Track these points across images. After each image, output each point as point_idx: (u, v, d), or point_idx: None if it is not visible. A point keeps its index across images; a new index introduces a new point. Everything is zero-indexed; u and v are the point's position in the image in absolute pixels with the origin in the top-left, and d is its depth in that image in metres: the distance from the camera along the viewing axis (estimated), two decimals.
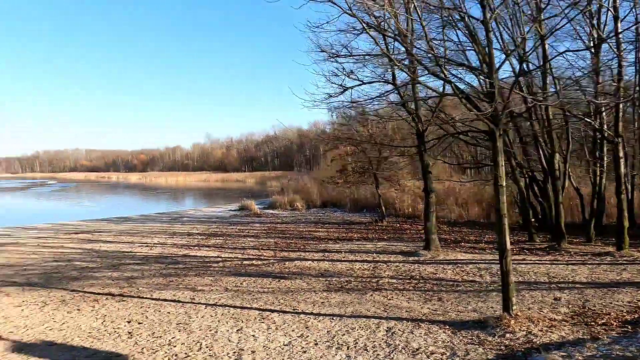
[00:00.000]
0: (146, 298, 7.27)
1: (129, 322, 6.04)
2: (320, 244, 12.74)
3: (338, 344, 4.91)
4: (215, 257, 11.05)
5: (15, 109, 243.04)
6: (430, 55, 4.76)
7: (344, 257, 10.50)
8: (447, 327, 5.30)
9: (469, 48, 9.51)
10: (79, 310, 6.68)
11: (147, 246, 12.91)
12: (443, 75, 4.73)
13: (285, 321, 5.84)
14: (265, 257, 10.81)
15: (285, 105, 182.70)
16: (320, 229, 16.06)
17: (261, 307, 6.54)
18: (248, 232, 15.52)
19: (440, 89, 10.04)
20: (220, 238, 14.24)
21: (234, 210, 24.30)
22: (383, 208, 17.52)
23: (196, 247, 12.53)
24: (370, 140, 13.88)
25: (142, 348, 5.03)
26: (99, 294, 7.62)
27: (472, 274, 8.38)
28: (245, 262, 10.23)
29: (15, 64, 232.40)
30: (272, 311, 6.33)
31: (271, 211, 23.26)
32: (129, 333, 5.56)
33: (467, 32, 7.54)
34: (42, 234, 16.34)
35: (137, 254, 11.72)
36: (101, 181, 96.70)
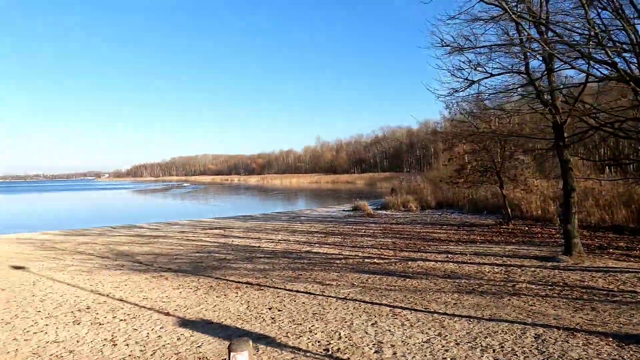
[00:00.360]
0: (280, 288, 7.79)
1: (269, 309, 6.53)
2: (441, 245, 12.29)
3: (482, 346, 4.68)
4: (336, 254, 11.37)
5: (158, 121, 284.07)
6: (590, 34, 4.26)
7: (469, 260, 9.99)
8: (610, 339, 4.69)
9: (616, 27, 8.40)
10: (225, 295, 7.44)
11: (272, 242, 13.84)
12: (608, 57, 4.21)
13: (419, 319, 5.75)
14: (386, 256, 10.79)
15: (393, 107, 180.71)
16: (439, 230, 15.49)
17: (391, 304, 6.54)
18: (364, 232, 15.66)
19: (578, 77, 9.00)
20: (338, 237, 14.61)
21: (347, 210, 24.77)
22: (508, 209, 16.24)
23: (317, 245, 13.04)
24: (496, 135, 12.88)
25: (287, 333, 5.39)
26: (239, 282, 8.40)
27: (630, 283, 7.29)
28: (366, 260, 10.33)
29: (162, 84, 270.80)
30: (403, 308, 6.29)
31: (384, 212, 23.16)
32: (272, 318, 6.02)
33: (614, 9, 6.65)
34: (184, 229, 18.59)
35: (265, 248, 12.63)
36: (225, 183, 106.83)
